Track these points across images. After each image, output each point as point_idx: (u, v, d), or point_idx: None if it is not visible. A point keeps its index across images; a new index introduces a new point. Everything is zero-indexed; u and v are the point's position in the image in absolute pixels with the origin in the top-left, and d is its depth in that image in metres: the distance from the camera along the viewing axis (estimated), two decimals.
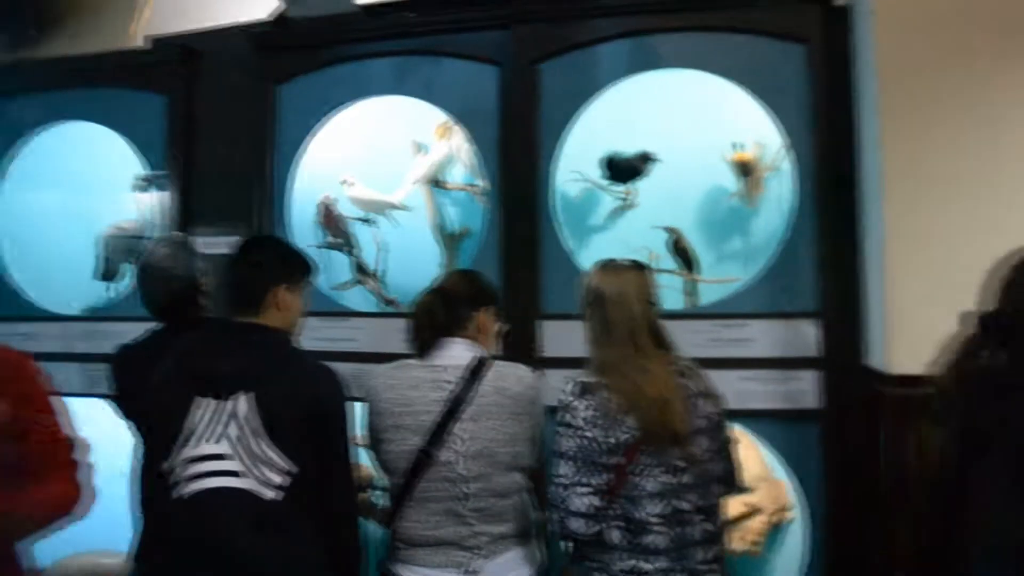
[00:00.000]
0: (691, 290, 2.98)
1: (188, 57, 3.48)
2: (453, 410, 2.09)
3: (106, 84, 3.61)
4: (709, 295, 2.93)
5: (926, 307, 2.33)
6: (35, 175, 3.85)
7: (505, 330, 2.45)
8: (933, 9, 2.43)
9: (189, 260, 2.59)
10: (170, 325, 2.54)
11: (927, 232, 2.38)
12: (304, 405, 1.97)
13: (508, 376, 2.15)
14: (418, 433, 2.09)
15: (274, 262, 2.15)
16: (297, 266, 2.21)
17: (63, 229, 3.87)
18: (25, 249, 3.85)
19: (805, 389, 2.67)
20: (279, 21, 3.35)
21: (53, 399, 1.88)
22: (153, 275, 2.55)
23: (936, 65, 2.41)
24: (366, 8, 3.27)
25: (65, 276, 3.77)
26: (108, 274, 3.65)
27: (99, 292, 3.68)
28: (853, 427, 2.56)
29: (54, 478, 1.79)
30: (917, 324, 2.34)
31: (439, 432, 2.08)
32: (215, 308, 2.62)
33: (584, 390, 2.01)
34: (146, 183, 3.53)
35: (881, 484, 2.38)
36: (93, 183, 3.85)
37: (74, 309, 3.66)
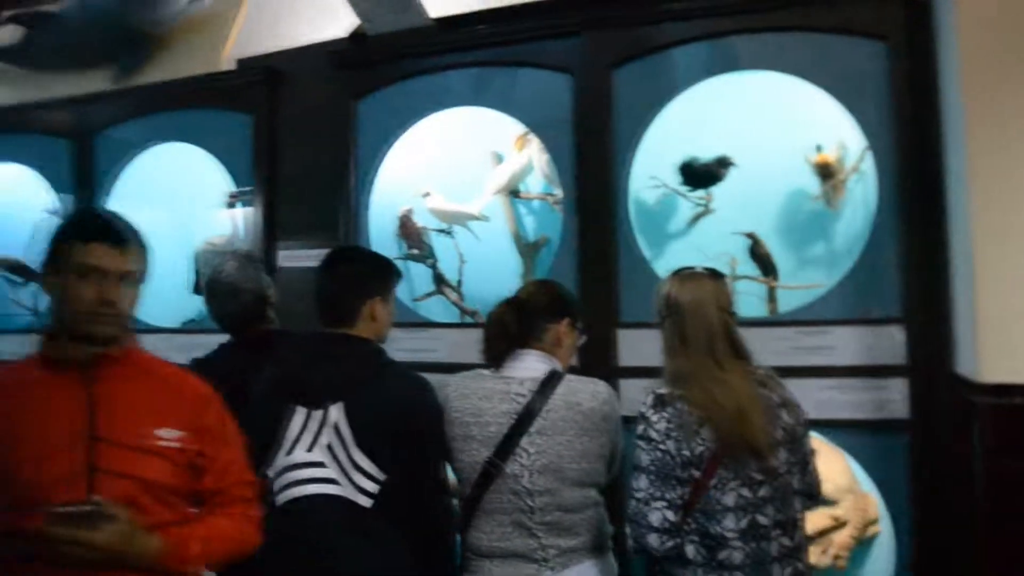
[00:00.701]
0: (771, 297, 2.93)
1: (271, 76, 3.60)
2: (522, 423, 2.09)
3: (198, 106, 3.77)
4: (790, 301, 2.87)
5: (1019, 311, 2.23)
6: (137, 193, 4.04)
7: (583, 341, 2.44)
8: (1018, 1, 2.32)
9: (256, 274, 2.66)
10: (239, 339, 2.61)
11: (1017, 233, 2.27)
12: (394, 414, 2.03)
13: (580, 391, 2.14)
14: (486, 445, 2.10)
15: (368, 275, 2.21)
16: (388, 277, 2.27)
17: (161, 245, 4.01)
18: None
19: (891, 398, 2.58)
20: (357, 38, 3.43)
21: (235, 435, 1.90)
22: (222, 289, 2.62)
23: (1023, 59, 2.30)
24: (441, 22, 3.32)
25: (163, 290, 3.93)
26: (202, 288, 3.80)
27: (196, 305, 3.84)
28: (943, 438, 2.47)
29: (229, 514, 1.81)
30: (1009, 329, 2.24)
31: (506, 445, 2.08)
32: (283, 320, 2.71)
33: (660, 402, 1.99)
34: (235, 199, 3.67)
35: (973, 498, 2.28)
36: (189, 200, 4.02)
37: (172, 322, 3.82)
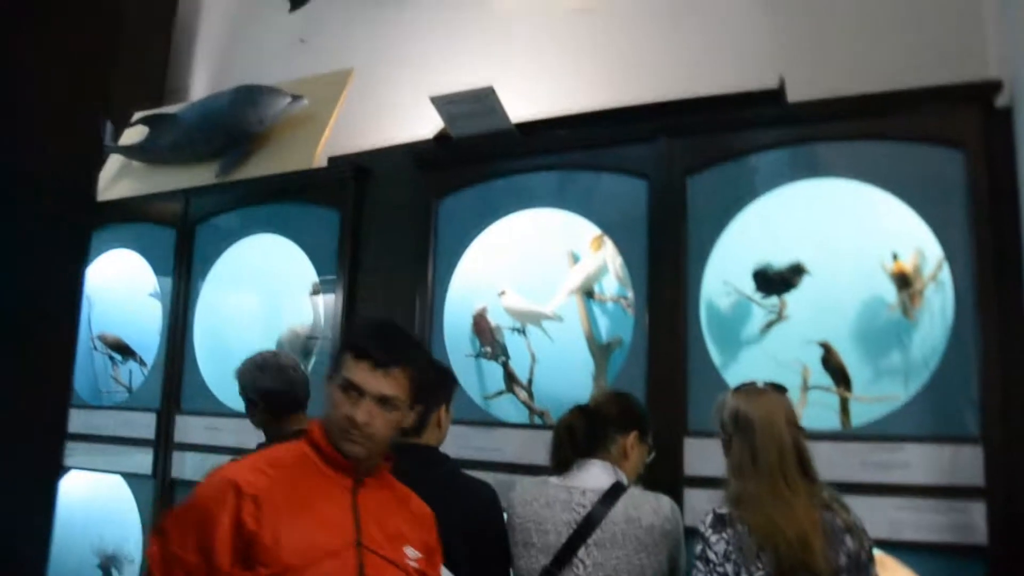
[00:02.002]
0: (844, 408, 2.87)
1: (359, 174, 3.76)
2: (580, 534, 2.10)
3: (290, 200, 3.96)
4: (864, 414, 2.79)
5: None
6: (229, 280, 4.25)
7: (652, 458, 2.45)
8: None
9: (301, 365, 2.78)
10: (277, 436, 2.63)
11: None
12: (466, 522, 2.09)
13: (642, 506, 2.14)
14: (544, 552, 2.12)
15: (436, 385, 2.29)
16: (452, 386, 2.39)
17: (248, 330, 4.22)
18: (215, 347, 4.22)
19: (969, 522, 2.46)
20: (441, 139, 3.57)
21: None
22: (274, 363, 2.73)
23: None
24: (522, 126, 3.44)
25: None
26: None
27: None
28: None
29: None
30: None
31: (564, 554, 2.10)
32: None
33: (719, 522, 1.97)
34: (318, 289, 3.82)
35: None
36: (276, 288, 4.21)
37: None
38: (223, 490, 1.64)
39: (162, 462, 4.02)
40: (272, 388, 2.68)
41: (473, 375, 3.46)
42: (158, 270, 4.39)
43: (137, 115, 4.76)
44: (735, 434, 2.06)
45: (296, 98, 4.13)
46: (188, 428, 3.97)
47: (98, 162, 4.45)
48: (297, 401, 2.72)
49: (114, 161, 4.86)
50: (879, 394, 2.84)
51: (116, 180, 4.77)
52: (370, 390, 1.69)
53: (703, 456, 2.77)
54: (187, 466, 3.94)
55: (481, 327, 3.46)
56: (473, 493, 2.18)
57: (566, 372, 3.34)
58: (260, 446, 2.61)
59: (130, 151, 4.72)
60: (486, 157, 3.48)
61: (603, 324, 3.44)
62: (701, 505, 2.03)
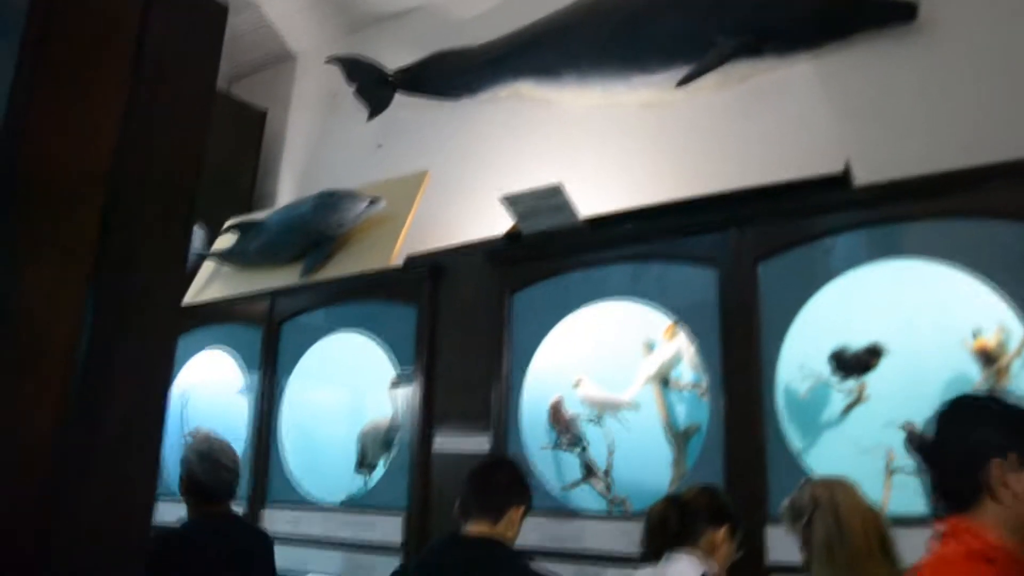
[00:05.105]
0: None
1: (434, 271, 3.88)
2: None
3: (369, 298, 4.12)
4: None
5: None
6: (313, 375, 4.39)
7: (739, 555, 2.43)
8: None
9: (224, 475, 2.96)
10: (209, 515, 2.91)
11: None
12: None
13: None
14: None
15: (521, 482, 2.45)
16: (531, 493, 2.48)
17: (332, 423, 4.34)
18: (301, 440, 4.34)
19: None
20: (512, 237, 3.68)
21: None
22: (229, 457, 2.98)
23: None
24: (591, 221, 3.53)
25: (330, 466, 4.18)
26: (365, 466, 4.03)
27: (357, 483, 4.05)
28: None
29: None
30: None
31: None
32: None
33: None
34: (397, 383, 3.92)
35: None
36: (357, 383, 4.33)
37: (334, 498, 4.03)
38: None
39: None
40: (200, 479, 2.90)
41: (550, 465, 3.47)
42: (246, 367, 4.56)
43: (228, 223, 5.05)
44: (816, 512, 2.05)
45: (374, 201, 4.32)
46: (273, 520, 4.04)
47: (183, 279, 4.74)
48: (217, 497, 2.93)
49: (207, 266, 5.13)
50: None
51: (208, 284, 5.03)
52: None
53: (785, 544, 2.69)
54: None
55: (558, 417, 3.48)
56: None
57: (644, 460, 3.33)
58: (184, 524, 2.91)
59: (222, 256, 4.99)
60: (557, 252, 3.57)
61: (680, 411, 3.43)
62: None
